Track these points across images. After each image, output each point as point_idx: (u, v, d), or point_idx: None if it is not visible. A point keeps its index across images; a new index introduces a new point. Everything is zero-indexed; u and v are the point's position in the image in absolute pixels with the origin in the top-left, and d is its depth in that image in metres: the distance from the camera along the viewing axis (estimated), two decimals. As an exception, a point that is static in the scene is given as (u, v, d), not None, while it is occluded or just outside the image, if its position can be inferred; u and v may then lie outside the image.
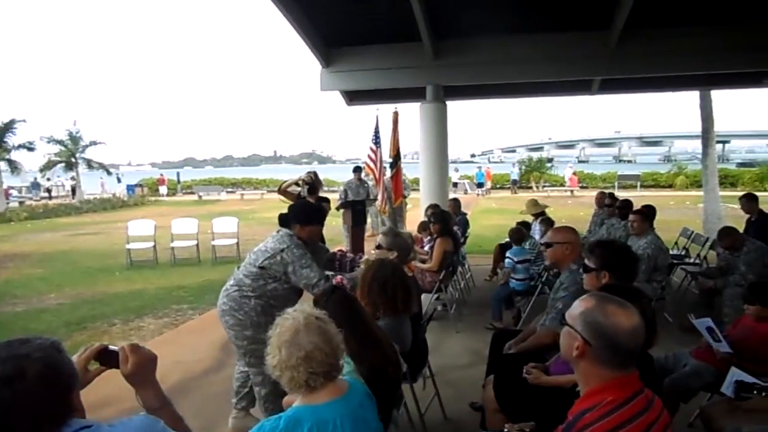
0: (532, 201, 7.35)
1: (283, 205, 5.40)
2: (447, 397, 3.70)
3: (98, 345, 1.51)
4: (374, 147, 9.81)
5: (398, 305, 2.77)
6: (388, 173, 10.06)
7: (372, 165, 9.73)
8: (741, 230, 5.59)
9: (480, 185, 27.96)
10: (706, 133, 12.18)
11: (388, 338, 2.34)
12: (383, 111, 9.87)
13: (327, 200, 5.42)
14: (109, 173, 29.98)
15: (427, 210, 6.54)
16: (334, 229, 12.28)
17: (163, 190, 30.13)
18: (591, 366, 1.49)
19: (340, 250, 3.67)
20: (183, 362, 4.73)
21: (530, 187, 29.02)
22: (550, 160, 36.46)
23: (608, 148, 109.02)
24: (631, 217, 5.13)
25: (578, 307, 1.58)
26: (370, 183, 9.93)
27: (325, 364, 1.60)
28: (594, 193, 26.63)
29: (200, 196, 27.46)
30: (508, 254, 5.51)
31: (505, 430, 2.17)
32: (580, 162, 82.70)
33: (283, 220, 3.38)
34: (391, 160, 9.71)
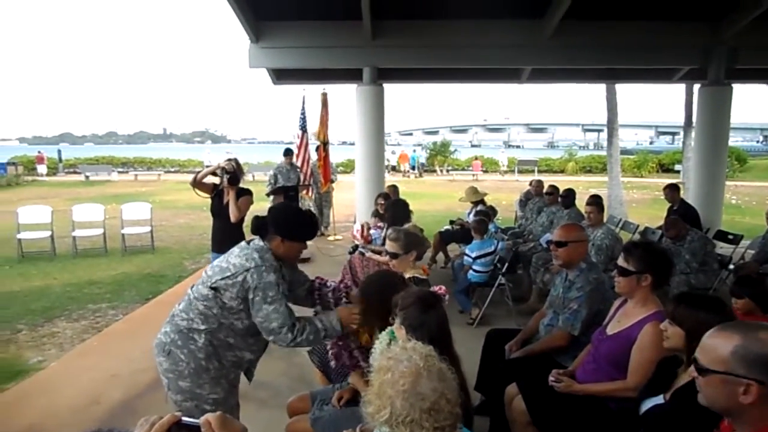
0: (472, 189, 7.30)
1: (188, 192, 4.66)
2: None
3: (169, 417, 0.97)
4: (299, 131, 9.37)
5: None
6: (314, 157, 9.66)
7: (297, 149, 9.30)
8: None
9: (413, 168, 28.44)
10: (611, 124, 12.95)
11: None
12: (309, 92, 9.46)
13: (249, 192, 4.70)
14: (-26, 150, 26.32)
15: (377, 198, 6.25)
16: (261, 213, 11.68)
17: (41, 169, 27.02)
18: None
19: (319, 278, 2.83)
20: (120, 376, 4.10)
21: (434, 171, 29.56)
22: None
23: (498, 134, 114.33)
24: (587, 208, 5.20)
25: (720, 347, 1.35)
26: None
27: (451, 415, 1.30)
28: (495, 177, 27.72)
29: (87, 177, 24.96)
30: (466, 251, 5.39)
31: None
32: (473, 146, 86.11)
33: (259, 226, 2.52)
34: (318, 143, 9.33)
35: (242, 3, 6.69)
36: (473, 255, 5.24)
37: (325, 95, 9.01)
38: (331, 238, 9.68)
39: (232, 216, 4.40)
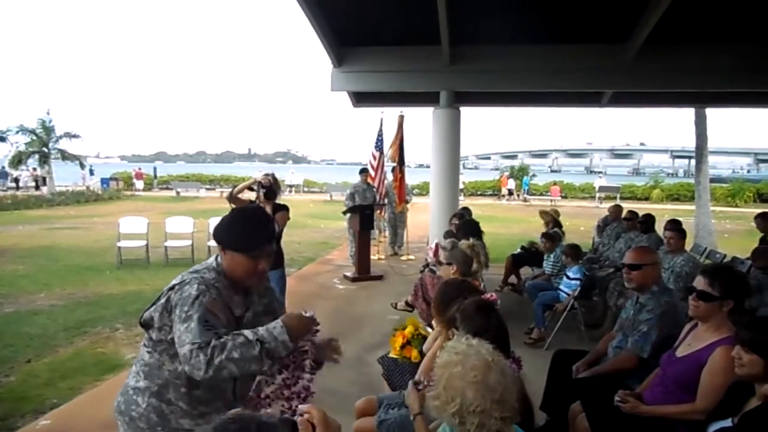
0: (554, 210, 7.27)
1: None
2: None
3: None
4: (376, 151, 9.63)
5: None
6: (390, 177, 9.88)
7: (372, 170, 9.55)
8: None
9: (527, 191, 28.98)
10: (700, 150, 12.36)
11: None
12: (388, 115, 9.74)
13: (286, 207, 4.57)
14: (83, 166, 28.83)
15: (452, 219, 6.35)
16: (338, 232, 11.97)
17: (139, 184, 29.28)
18: None
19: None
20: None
21: (511, 195, 29.16)
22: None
23: (580, 159, 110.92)
24: (667, 233, 5.02)
25: None
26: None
27: (513, 408, 1.40)
28: (573, 203, 26.95)
29: (178, 193, 26.76)
30: (568, 273, 5.41)
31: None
32: (552, 171, 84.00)
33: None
34: (393, 164, 9.56)
35: (326, 29, 7.06)
36: (573, 276, 5.32)
37: (401, 117, 9.25)
38: (404, 257, 9.83)
39: None
